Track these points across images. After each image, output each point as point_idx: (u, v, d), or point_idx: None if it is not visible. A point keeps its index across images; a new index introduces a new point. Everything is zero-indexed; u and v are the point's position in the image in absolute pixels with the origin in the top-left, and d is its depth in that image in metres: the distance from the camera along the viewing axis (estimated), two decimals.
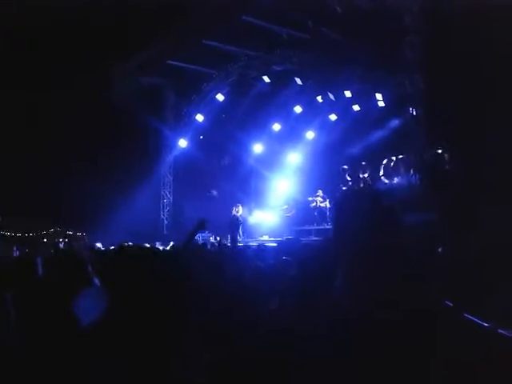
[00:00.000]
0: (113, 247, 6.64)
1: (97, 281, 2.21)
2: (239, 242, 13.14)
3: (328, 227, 13.24)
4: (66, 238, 17.68)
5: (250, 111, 15.17)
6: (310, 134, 16.60)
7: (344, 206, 1.67)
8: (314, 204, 14.38)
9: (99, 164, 13.92)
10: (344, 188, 13.21)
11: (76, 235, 17.93)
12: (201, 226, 3.22)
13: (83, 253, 2.61)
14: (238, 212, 14.45)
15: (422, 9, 9.63)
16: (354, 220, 1.49)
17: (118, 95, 12.89)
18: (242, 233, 14.54)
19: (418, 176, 10.09)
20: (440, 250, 3.28)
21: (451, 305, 2.01)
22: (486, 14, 8.33)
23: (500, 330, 1.48)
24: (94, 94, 12.90)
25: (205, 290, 2.38)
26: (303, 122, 15.80)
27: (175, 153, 15.81)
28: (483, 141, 9.03)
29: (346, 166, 13.74)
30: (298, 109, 14.87)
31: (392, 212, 1.59)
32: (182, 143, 15.48)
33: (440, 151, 11.61)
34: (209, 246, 5.68)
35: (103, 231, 12.38)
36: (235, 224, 14.12)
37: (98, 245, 7.26)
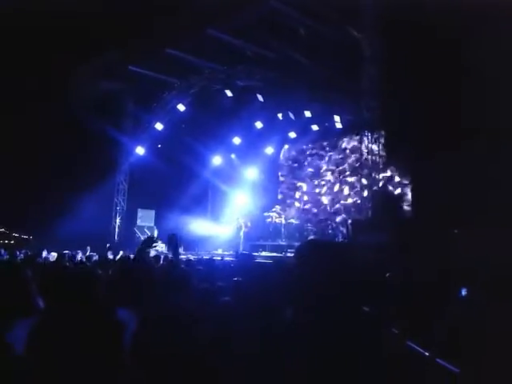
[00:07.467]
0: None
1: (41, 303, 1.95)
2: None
3: (282, 243, 13.37)
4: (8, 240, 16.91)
5: (210, 123, 15.16)
6: (269, 150, 16.81)
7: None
8: (270, 220, 14.50)
9: (53, 169, 13.31)
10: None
11: (21, 238, 17.17)
12: (148, 243, 3.07)
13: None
14: None
15: (378, 40, 10.06)
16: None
17: (75, 99, 12.50)
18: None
19: (370, 197, 10.40)
20: (388, 275, 3.39)
21: (396, 332, 2.09)
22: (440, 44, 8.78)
23: (438, 360, 1.56)
24: (48, 97, 12.38)
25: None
26: (263, 137, 15.98)
27: (132, 160, 15.51)
28: (435, 165, 9.41)
29: None
30: (258, 124, 15.03)
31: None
32: (140, 151, 15.23)
33: (389, 174, 12.11)
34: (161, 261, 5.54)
35: (51, 237, 11.85)
36: None
37: (44, 253, 6.90)
